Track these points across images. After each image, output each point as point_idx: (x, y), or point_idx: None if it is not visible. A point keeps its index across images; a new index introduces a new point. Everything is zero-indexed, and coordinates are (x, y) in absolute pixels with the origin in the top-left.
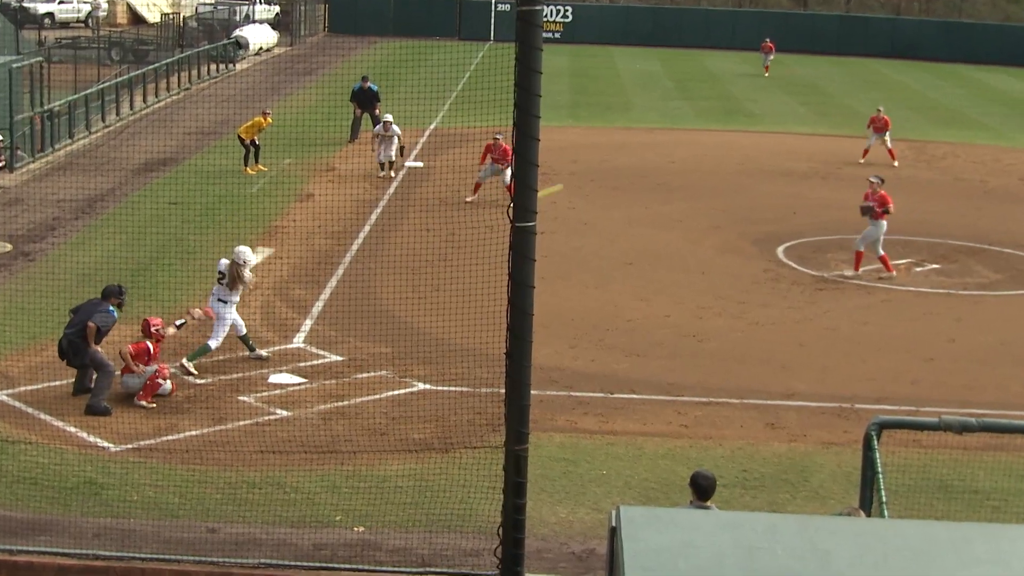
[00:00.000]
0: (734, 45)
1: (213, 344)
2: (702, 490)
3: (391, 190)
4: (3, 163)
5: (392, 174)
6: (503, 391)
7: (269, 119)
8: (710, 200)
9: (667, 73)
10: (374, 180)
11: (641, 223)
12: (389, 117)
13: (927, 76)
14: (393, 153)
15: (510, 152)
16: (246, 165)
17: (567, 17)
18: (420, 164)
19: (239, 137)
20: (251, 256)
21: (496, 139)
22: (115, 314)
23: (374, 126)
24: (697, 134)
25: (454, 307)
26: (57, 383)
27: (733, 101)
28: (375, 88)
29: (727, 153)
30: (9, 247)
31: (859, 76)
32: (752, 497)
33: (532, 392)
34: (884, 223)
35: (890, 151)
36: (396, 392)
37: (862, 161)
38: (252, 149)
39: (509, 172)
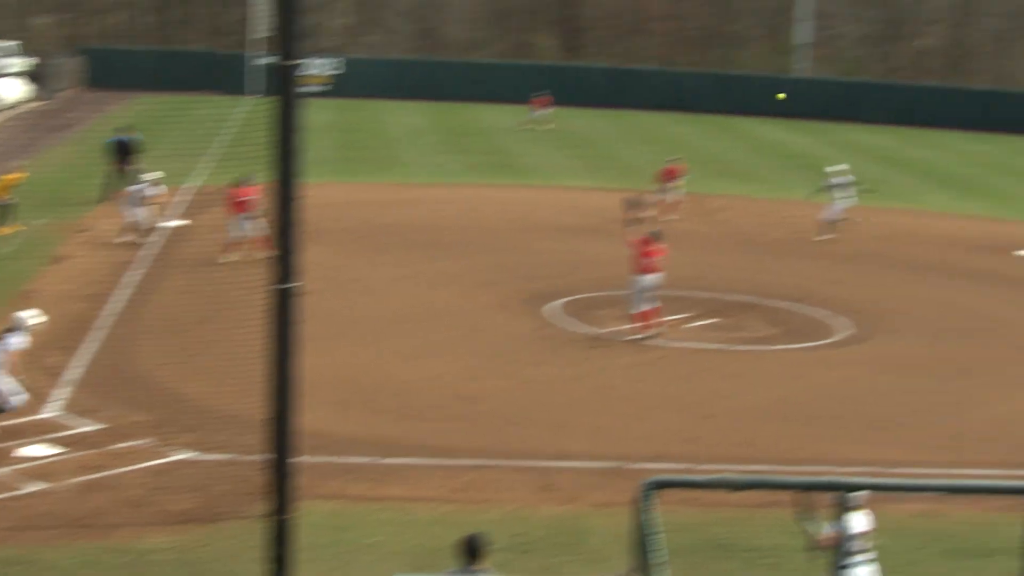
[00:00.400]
0: (504, 98)
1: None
2: (472, 551)
3: (151, 251)
4: None
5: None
6: (269, 457)
7: (22, 174)
8: (483, 256)
9: (435, 127)
10: (130, 241)
11: (412, 281)
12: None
13: (701, 128)
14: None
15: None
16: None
17: (339, 69)
18: (186, 222)
19: None
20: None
21: (245, 181)
22: None
23: (116, 185)
24: (468, 189)
25: (217, 371)
26: None
27: (505, 155)
28: (136, 139)
29: (500, 209)
30: None
31: (633, 129)
32: (527, 561)
33: (299, 458)
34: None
35: (676, 201)
36: (158, 461)
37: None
38: (3, 208)
39: (257, 222)
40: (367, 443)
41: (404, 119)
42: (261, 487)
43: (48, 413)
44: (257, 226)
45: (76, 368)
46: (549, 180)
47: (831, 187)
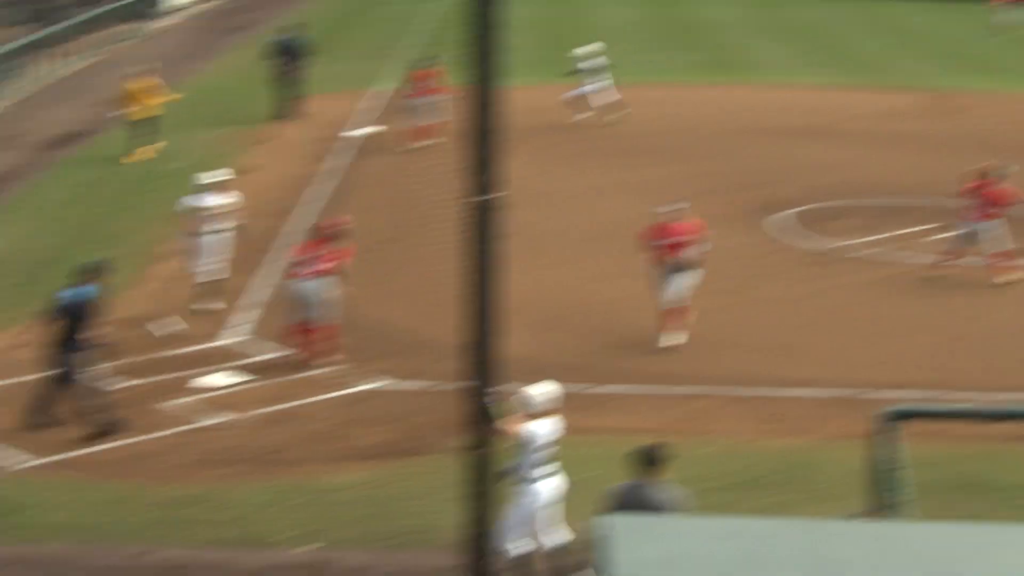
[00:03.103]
0: None
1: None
2: (649, 464)
3: (338, 162)
4: None
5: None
6: (467, 386)
7: (175, 95)
8: (698, 163)
9: (648, 20)
10: (317, 152)
11: (619, 191)
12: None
13: (949, 15)
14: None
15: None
16: (135, 149)
17: None
18: (368, 131)
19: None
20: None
21: (429, 63)
22: (90, 293)
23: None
24: (684, 89)
25: (411, 293)
26: None
27: (724, 51)
28: (302, 41)
29: (715, 110)
30: None
31: (872, 18)
32: (753, 499)
33: (501, 386)
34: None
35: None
36: (347, 391)
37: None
38: (150, 124)
39: (436, 108)
40: (575, 369)
41: (613, 12)
42: (459, 418)
43: (229, 339)
44: (435, 112)
45: (259, 290)
46: (772, 77)
47: None
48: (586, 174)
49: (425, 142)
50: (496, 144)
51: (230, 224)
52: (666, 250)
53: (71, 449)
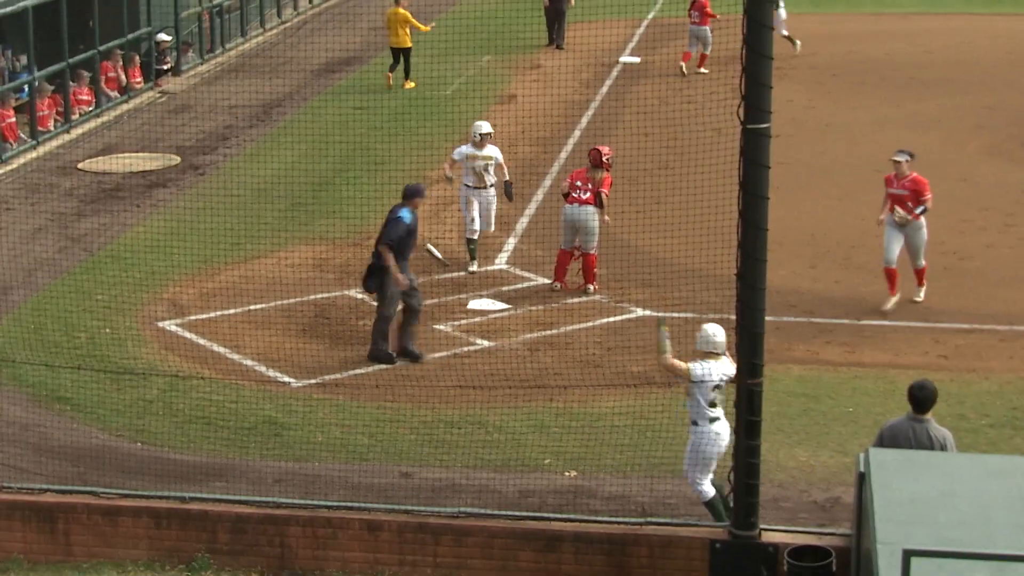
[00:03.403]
0: None
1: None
2: (918, 402)
3: (604, 89)
4: (169, 66)
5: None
6: (734, 317)
7: (404, 14)
8: (974, 96)
9: None
10: (584, 79)
11: (892, 124)
12: None
13: None
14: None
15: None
16: (407, 77)
17: None
18: (637, 59)
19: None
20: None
21: None
22: (408, 217)
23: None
24: (959, 19)
25: (677, 222)
26: (232, 311)
27: None
28: None
29: (994, 41)
30: (177, 160)
31: None
32: (1020, 438)
33: (767, 319)
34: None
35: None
36: (612, 319)
37: (704, 70)
38: (400, 56)
39: (709, 33)
40: (842, 303)
41: None
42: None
43: (496, 265)
44: (708, 41)
45: (525, 217)
46: None
47: None
48: (863, 108)
49: (702, 70)
50: (768, 72)
51: (494, 179)
52: (889, 202)
53: (335, 371)
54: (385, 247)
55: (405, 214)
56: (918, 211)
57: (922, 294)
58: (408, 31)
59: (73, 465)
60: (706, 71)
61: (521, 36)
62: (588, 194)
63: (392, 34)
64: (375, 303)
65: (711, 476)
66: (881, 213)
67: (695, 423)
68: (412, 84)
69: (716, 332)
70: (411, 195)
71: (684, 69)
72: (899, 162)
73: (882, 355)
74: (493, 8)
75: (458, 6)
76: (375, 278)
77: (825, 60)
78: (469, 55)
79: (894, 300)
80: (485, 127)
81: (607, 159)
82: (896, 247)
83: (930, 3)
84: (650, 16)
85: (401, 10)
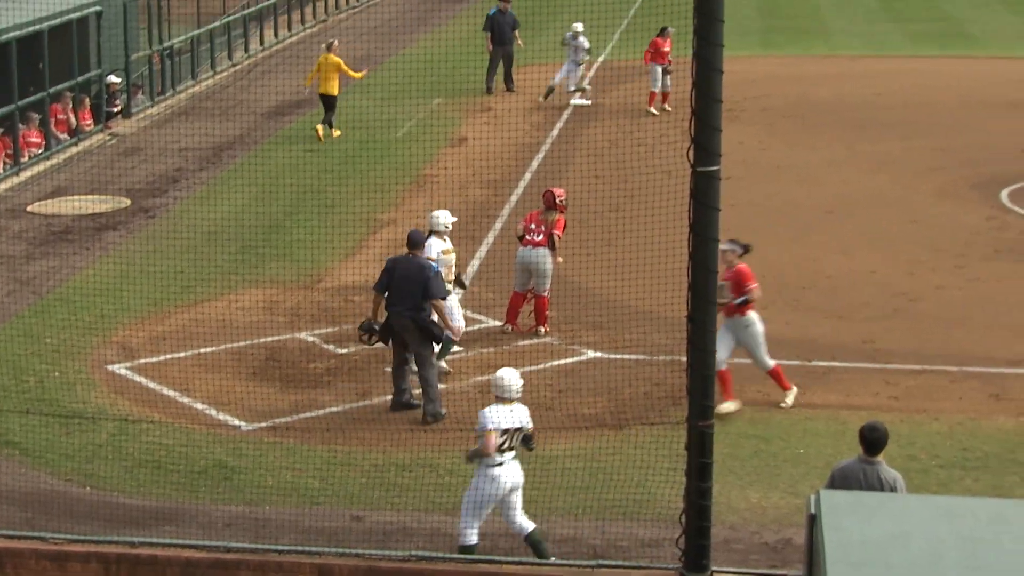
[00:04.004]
0: None
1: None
2: (869, 444)
3: (555, 132)
4: (119, 108)
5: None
6: (684, 359)
7: (335, 59)
8: (924, 139)
9: None
10: (535, 122)
11: (843, 165)
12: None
13: None
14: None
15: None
16: (330, 126)
17: None
18: (587, 102)
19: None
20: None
21: (666, 30)
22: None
23: (507, 68)
24: (908, 62)
25: (628, 264)
26: (182, 354)
27: (950, 22)
28: (508, 12)
29: (944, 83)
30: (127, 202)
31: None
32: (974, 480)
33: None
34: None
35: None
36: (563, 361)
37: (654, 111)
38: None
39: (669, 77)
40: (794, 344)
41: None
42: (677, 391)
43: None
44: (665, 80)
45: (476, 260)
46: (1001, 50)
47: None
48: (815, 149)
49: (652, 109)
50: (718, 114)
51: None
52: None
53: (286, 415)
54: (440, 301)
55: (434, 264)
56: (737, 301)
57: (790, 398)
58: (338, 78)
59: (21, 510)
60: (655, 112)
61: (472, 79)
62: (541, 236)
63: (321, 80)
64: (405, 355)
65: (479, 523)
66: None
67: (479, 466)
68: (338, 132)
69: (509, 377)
70: (422, 242)
71: (651, 108)
72: (723, 251)
73: (833, 396)
74: (443, 51)
75: (408, 49)
76: (412, 335)
77: (777, 102)
78: (420, 97)
79: (729, 406)
80: (449, 216)
81: (560, 200)
82: (724, 346)
83: (881, 46)
84: (600, 59)
85: (333, 56)
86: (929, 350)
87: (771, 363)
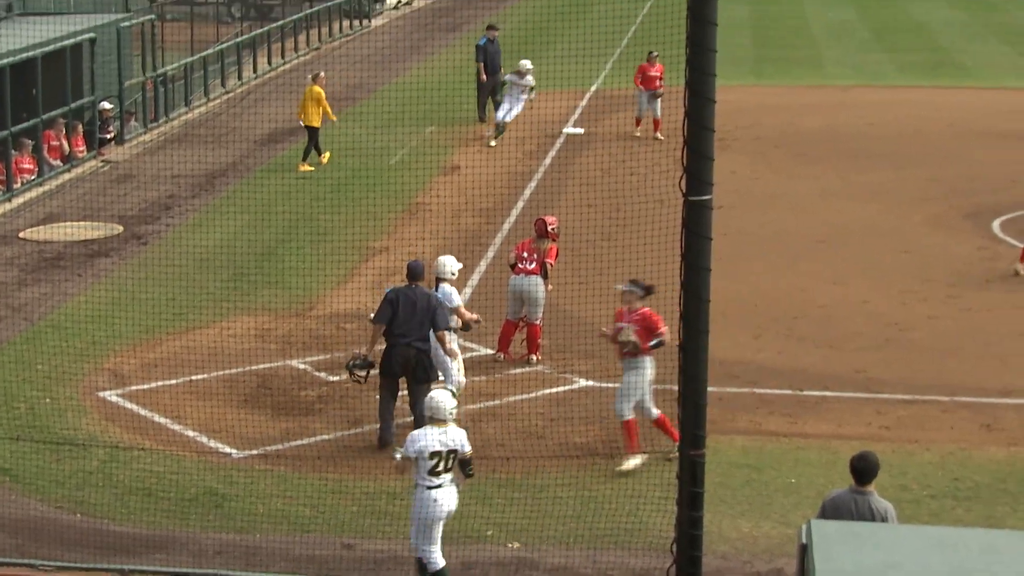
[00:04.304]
0: None
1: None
2: (859, 473)
3: (547, 161)
4: (112, 135)
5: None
6: (676, 388)
7: (319, 92)
8: (915, 168)
9: (863, 22)
10: (528, 150)
11: (835, 195)
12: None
13: None
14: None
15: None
16: (305, 159)
17: None
18: (580, 131)
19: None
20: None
21: (651, 54)
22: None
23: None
24: (900, 92)
25: (620, 293)
26: (173, 382)
27: (942, 53)
28: (493, 41)
29: (936, 113)
30: (120, 229)
31: None
32: (965, 510)
33: (710, 389)
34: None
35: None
36: (555, 390)
37: (638, 134)
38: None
39: (660, 102)
40: (785, 373)
41: (826, 14)
42: (669, 420)
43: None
44: (656, 105)
45: (468, 288)
46: (992, 81)
47: None
48: (807, 178)
49: (637, 132)
50: (710, 143)
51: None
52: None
53: (277, 442)
54: (444, 332)
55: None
56: (651, 345)
57: (631, 462)
58: (319, 111)
59: (11, 537)
60: (639, 134)
61: (465, 107)
62: (534, 264)
63: (302, 111)
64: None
65: (437, 545)
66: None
67: (416, 485)
68: (309, 168)
69: (439, 398)
70: (422, 273)
71: (637, 134)
72: (624, 292)
73: (825, 426)
74: (436, 80)
75: (401, 77)
76: (417, 368)
77: (768, 132)
78: (413, 125)
79: (633, 462)
80: (456, 263)
81: (552, 229)
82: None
83: (872, 76)
84: (593, 88)
85: (316, 88)
86: (921, 380)
87: (656, 412)
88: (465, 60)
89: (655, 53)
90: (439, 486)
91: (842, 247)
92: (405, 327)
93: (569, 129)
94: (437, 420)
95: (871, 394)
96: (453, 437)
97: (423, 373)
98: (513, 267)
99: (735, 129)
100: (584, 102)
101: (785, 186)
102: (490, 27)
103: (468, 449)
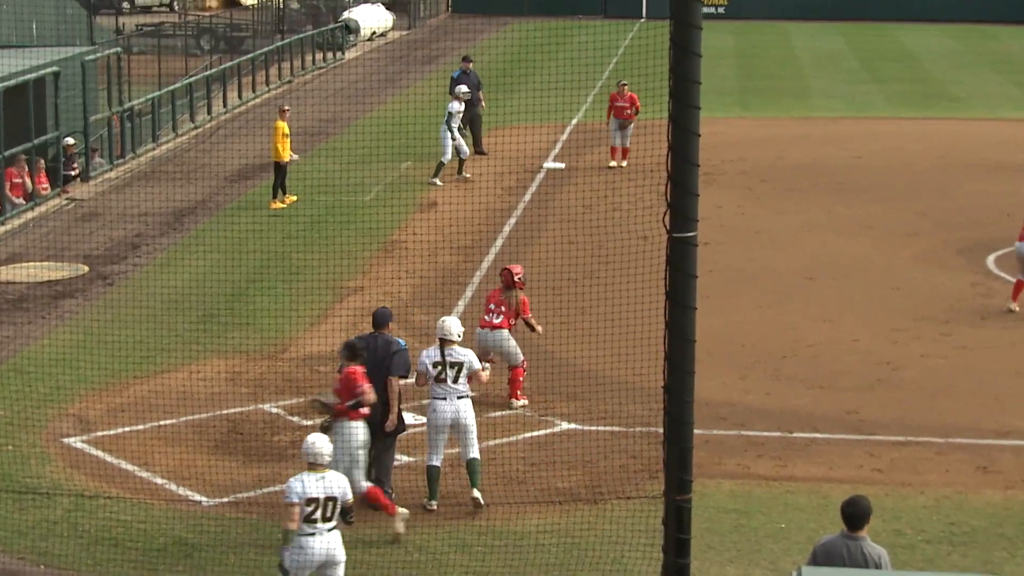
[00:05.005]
0: (931, 16)
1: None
2: (850, 519)
3: (527, 197)
4: (77, 171)
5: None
6: (661, 431)
7: (280, 123)
8: (906, 202)
9: (852, 51)
10: (507, 186)
11: (824, 230)
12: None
13: None
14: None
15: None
16: (275, 196)
17: None
18: (561, 165)
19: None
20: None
21: (622, 86)
22: (405, 347)
23: (475, 132)
24: (889, 123)
25: (603, 333)
26: (141, 427)
27: (933, 83)
28: (469, 73)
29: (926, 145)
30: (85, 269)
31: None
32: (961, 555)
33: (696, 432)
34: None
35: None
36: (536, 433)
37: (612, 165)
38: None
39: (632, 127)
40: (774, 415)
41: (814, 43)
42: (654, 464)
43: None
44: (626, 136)
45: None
46: (983, 112)
47: None
48: (794, 213)
49: (613, 163)
50: (694, 179)
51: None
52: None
53: (249, 489)
54: (396, 379)
55: (403, 344)
56: (349, 404)
57: (400, 524)
58: (287, 146)
59: None
60: (614, 164)
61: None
62: (501, 318)
63: (272, 146)
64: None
65: None
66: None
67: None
68: (281, 205)
69: (316, 442)
70: (388, 321)
71: (611, 163)
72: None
73: (815, 469)
74: (412, 114)
75: (376, 111)
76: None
77: (754, 165)
78: (388, 161)
79: (398, 520)
80: (459, 325)
81: (518, 278)
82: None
83: (860, 107)
84: (574, 121)
85: (281, 122)
86: (914, 421)
87: (365, 485)
88: (442, 93)
89: (624, 82)
90: (312, 534)
91: (831, 283)
92: (370, 378)
93: (549, 164)
94: (314, 465)
95: (863, 436)
96: (333, 483)
97: (383, 426)
98: (483, 319)
99: (721, 163)
100: (565, 136)
101: (772, 221)
102: (465, 59)
103: (349, 497)
